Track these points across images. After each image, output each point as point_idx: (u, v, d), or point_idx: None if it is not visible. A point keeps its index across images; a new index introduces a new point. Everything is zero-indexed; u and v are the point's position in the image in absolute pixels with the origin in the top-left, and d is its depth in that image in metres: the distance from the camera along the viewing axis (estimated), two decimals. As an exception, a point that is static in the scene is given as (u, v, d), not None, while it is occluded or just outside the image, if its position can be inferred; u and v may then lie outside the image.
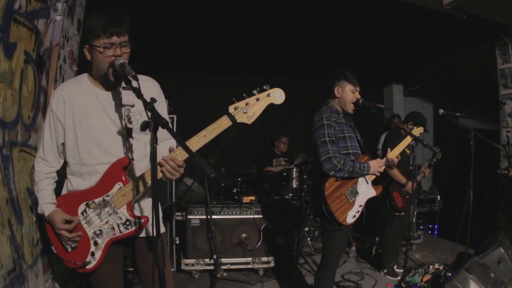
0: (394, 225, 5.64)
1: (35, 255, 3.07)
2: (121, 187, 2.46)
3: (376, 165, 3.85)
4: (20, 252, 2.81)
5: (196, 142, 2.41)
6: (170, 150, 2.40)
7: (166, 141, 2.68)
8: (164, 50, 7.60)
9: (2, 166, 2.64)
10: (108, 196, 2.47)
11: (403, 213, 5.52)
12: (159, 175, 2.39)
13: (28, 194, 2.99)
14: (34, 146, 3.11)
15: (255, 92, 2.54)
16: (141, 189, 2.47)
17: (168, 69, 8.25)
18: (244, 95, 2.52)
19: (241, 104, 2.50)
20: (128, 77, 2.19)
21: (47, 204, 2.51)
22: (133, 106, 2.49)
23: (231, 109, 2.49)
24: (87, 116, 2.49)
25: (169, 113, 3.08)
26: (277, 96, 2.57)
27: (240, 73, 8.81)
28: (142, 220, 2.52)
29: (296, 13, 6.22)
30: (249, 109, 2.50)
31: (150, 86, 2.65)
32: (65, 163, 2.63)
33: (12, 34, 2.71)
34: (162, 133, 2.67)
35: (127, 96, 2.46)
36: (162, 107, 2.71)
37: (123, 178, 2.47)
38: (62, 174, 2.67)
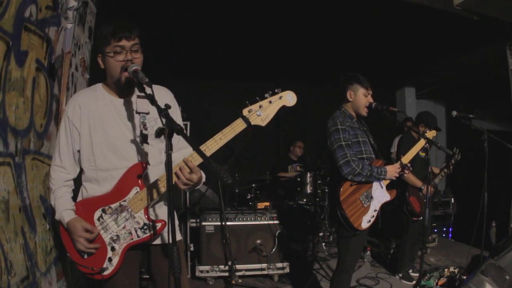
0: (411, 230, 5.60)
1: (49, 263, 3.06)
2: (138, 191, 2.45)
3: (393, 170, 3.83)
4: (33, 260, 2.81)
5: (213, 145, 2.43)
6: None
7: (182, 150, 2.67)
8: (178, 58, 7.65)
9: (15, 174, 2.64)
10: (125, 201, 2.45)
11: (421, 217, 5.46)
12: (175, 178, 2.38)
13: (41, 202, 2.99)
14: (46, 154, 3.11)
15: (267, 95, 2.57)
16: (158, 193, 2.46)
17: (181, 76, 8.30)
18: (257, 98, 2.55)
19: (255, 107, 2.52)
20: (143, 84, 2.19)
21: (67, 210, 2.47)
22: (148, 113, 2.51)
23: (245, 112, 2.51)
24: (103, 122, 2.49)
25: (183, 120, 3.07)
26: (289, 98, 2.61)
27: (253, 79, 8.82)
28: (160, 224, 2.50)
29: (308, 18, 6.22)
30: (263, 112, 2.53)
31: (163, 95, 2.65)
32: (80, 171, 2.62)
33: (23, 42, 2.72)
34: (178, 141, 2.66)
35: (142, 104, 2.49)
36: (176, 115, 2.70)
37: (140, 182, 2.46)
38: (77, 183, 2.65)
